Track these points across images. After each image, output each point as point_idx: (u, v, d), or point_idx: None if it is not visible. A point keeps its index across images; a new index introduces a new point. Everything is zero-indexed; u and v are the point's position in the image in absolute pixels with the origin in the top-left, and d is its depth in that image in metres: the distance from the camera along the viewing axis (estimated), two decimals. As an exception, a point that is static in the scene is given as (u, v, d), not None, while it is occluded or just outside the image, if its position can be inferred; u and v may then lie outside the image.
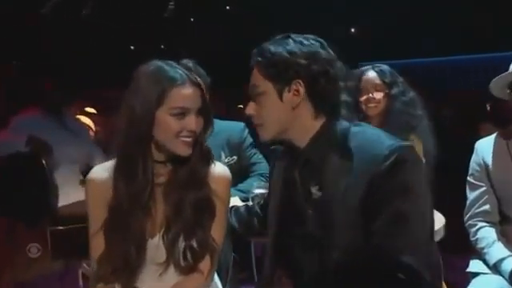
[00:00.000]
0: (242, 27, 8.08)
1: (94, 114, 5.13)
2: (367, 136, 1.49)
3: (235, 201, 2.20)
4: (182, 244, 1.62)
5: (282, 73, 1.49)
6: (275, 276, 1.66)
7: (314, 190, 1.49)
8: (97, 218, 1.63)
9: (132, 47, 9.20)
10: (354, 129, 1.52)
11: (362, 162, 1.42)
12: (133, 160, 1.58)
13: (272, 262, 1.68)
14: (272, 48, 1.51)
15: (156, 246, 1.62)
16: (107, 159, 1.69)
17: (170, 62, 1.61)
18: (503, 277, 2.02)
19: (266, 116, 1.55)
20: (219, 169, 1.71)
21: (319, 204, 1.48)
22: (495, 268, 2.06)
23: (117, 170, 1.61)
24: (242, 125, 2.64)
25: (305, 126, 1.53)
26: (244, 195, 2.34)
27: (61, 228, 3.29)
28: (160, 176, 1.64)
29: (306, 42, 1.51)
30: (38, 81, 3.69)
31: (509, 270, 2.00)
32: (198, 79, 1.59)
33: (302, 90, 1.49)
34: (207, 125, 1.63)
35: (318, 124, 1.53)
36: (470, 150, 2.25)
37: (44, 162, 3.16)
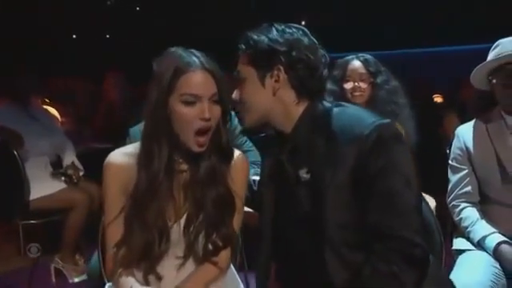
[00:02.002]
0: (189, 16, 8.01)
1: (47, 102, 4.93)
2: (348, 115, 1.54)
3: None
4: (203, 239, 1.62)
5: (263, 60, 1.54)
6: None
7: (303, 173, 1.53)
8: (115, 204, 1.59)
9: (74, 36, 8.89)
10: (335, 110, 1.57)
11: (345, 143, 1.46)
12: (150, 148, 1.56)
13: (268, 247, 1.69)
14: (255, 36, 1.56)
15: (177, 234, 1.60)
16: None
17: (192, 49, 1.57)
18: (487, 253, 2.15)
19: (248, 101, 1.59)
20: (238, 155, 1.70)
21: (309, 185, 1.52)
22: (479, 245, 2.19)
23: (139, 156, 1.58)
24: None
25: (288, 111, 1.57)
26: None
27: (33, 222, 3.20)
28: (181, 165, 1.61)
29: (287, 30, 1.56)
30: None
31: (493, 246, 2.13)
32: (212, 66, 1.55)
33: (282, 76, 1.54)
34: (224, 114, 1.59)
35: (301, 109, 1.57)
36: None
37: (16, 153, 3.03)
